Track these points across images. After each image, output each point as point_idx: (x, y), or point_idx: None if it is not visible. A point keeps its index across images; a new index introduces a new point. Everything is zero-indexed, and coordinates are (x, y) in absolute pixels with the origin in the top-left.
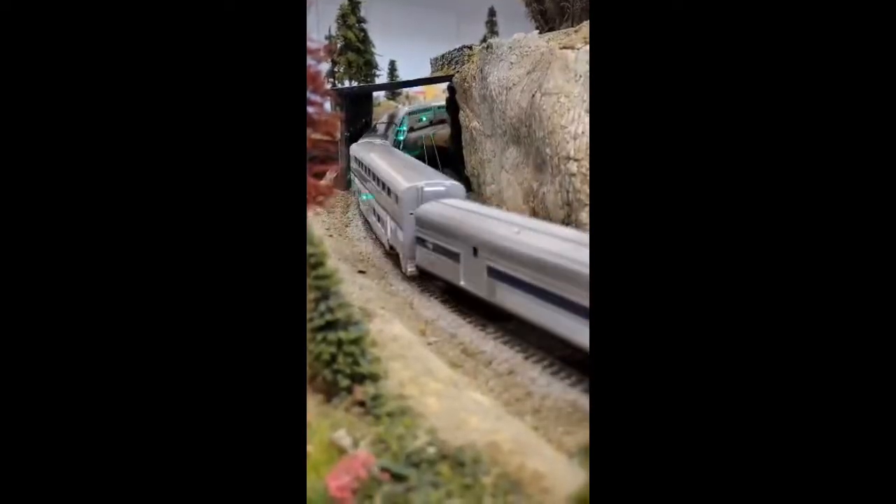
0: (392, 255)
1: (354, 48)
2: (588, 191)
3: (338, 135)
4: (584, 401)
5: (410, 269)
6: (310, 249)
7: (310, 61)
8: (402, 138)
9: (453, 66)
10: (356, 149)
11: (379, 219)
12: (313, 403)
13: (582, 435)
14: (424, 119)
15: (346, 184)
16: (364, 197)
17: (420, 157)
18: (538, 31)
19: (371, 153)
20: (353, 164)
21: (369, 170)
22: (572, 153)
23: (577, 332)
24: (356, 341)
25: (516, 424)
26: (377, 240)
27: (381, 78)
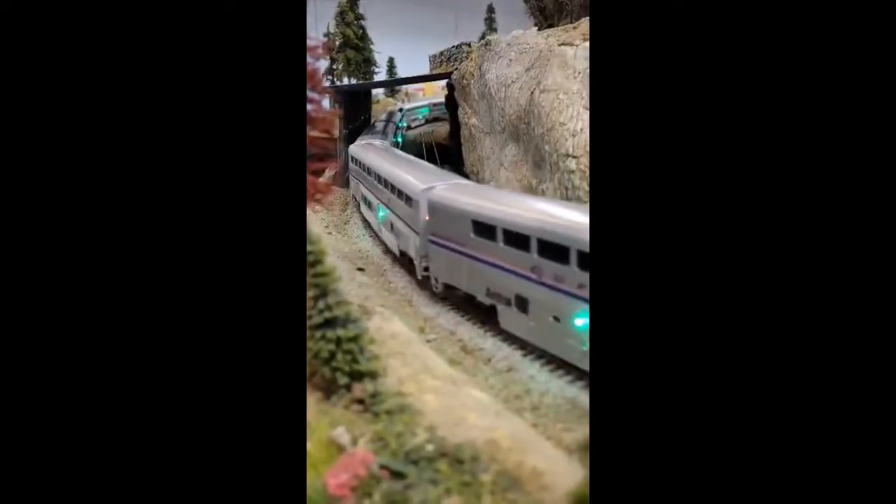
0: None
1: (353, 45)
2: (587, 188)
3: (336, 132)
4: (583, 398)
5: None
6: (308, 247)
7: (308, 59)
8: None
9: (452, 63)
10: (448, 197)
11: None
12: (312, 401)
13: (581, 432)
14: (403, 123)
15: (344, 181)
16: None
17: (419, 155)
18: (537, 27)
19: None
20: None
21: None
22: (571, 150)
23: None
24: (355, 339)
25: (515, 421)
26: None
27: (380, 75)
